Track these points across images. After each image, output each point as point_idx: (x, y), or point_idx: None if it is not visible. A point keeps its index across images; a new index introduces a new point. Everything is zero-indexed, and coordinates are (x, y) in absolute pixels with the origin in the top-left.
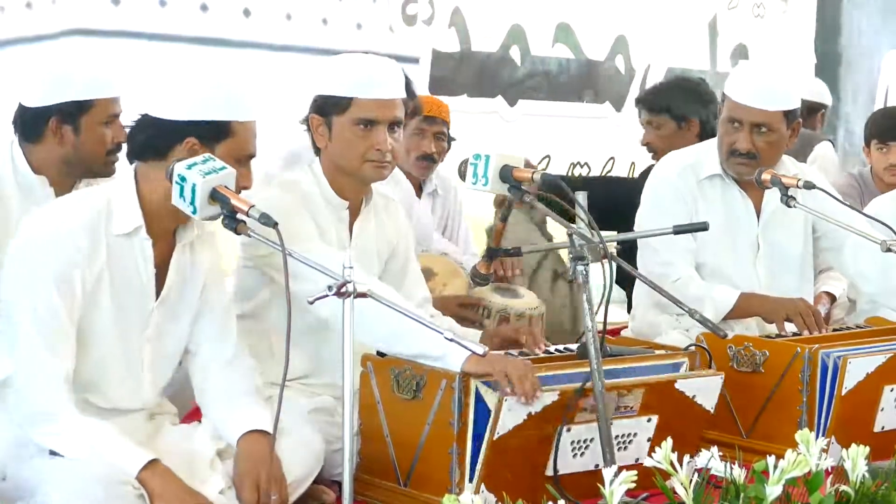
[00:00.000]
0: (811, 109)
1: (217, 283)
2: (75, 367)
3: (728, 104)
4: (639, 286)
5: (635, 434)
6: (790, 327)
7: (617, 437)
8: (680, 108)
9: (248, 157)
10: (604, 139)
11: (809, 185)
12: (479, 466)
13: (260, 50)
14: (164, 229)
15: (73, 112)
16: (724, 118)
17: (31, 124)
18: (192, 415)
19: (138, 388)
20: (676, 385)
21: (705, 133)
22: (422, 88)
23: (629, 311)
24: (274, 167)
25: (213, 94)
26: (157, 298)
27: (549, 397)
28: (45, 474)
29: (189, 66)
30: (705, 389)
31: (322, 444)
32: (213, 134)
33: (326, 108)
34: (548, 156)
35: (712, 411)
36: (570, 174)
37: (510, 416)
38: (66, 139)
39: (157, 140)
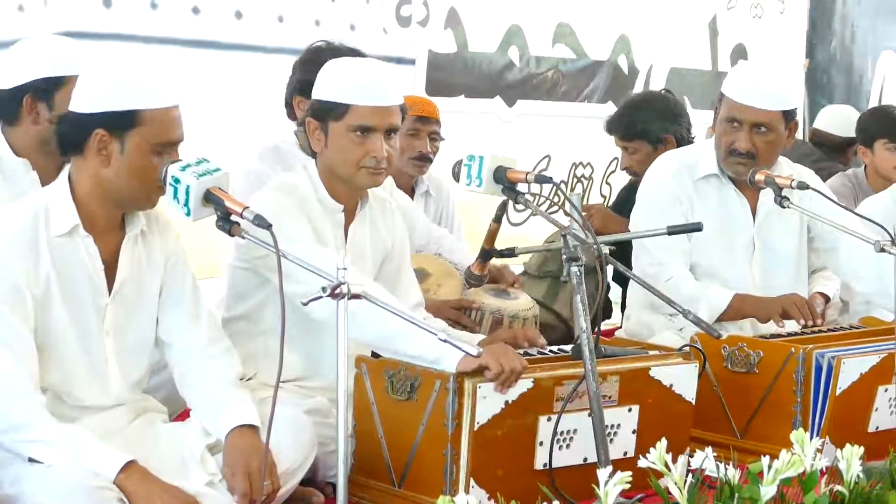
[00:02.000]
0: (847, 143)
1: (179, 267)
2: (41, 371)
3: (728, 104)
4: (632, 287)
5: (619, 425)
6: (788, 324)
7: None
8: (654, 130)
9: (171, 144)
10: (607, 140)
11: (803, 186)
12: (466, 460)
13: (252, 52)
14: (107, 223)
15: (46, 88)
16: (723, 117)
17: (6, 105)
18: (185, 415)
19: (106, 383)
20: (651, 373)
21: (681, 147)
22: (418, 90)
23: (622, 310)
24: (250, 164)
25: (118, 84)
26: (109, 293)
27: (524, 385)
28: (27, 482)
29: (181, 67)
30: (682, 378)
31: (312, 431)
32: (119, 123)
33: (324, 113)
34: (548, 156)
35: (693, 402)
36: (572, 174)
37: (487, 403)
38: (42, 117)
39: (72, 134)
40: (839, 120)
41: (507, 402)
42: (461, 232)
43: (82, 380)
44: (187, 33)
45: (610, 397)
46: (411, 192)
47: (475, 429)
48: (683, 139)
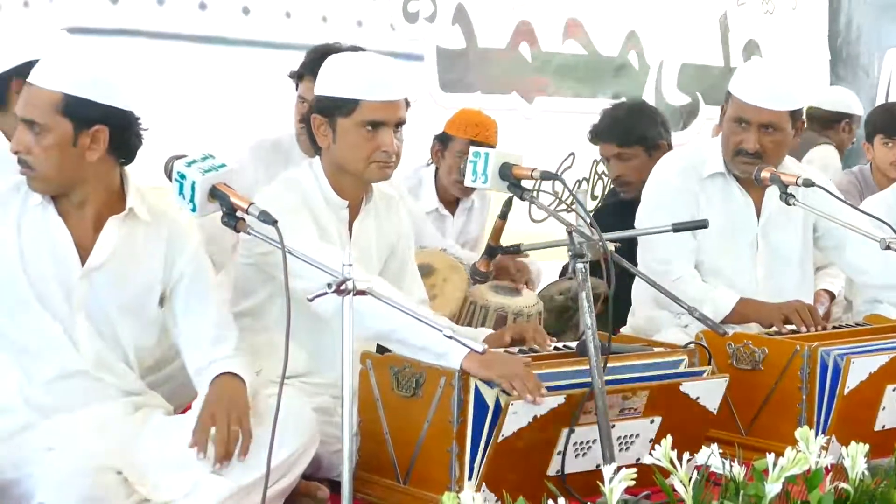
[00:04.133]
0: (832, 119)
1: (195, 273)
2: (15, 339)
3: (736, 103)
4: (638, 283)
5: (638, 435)
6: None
7: (619, 438)
8: (651, 136)
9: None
10: None
11: (809, 183)
12: (481, 468)
13: (259, 48)
14: (84, 199)
15: (28, 72)
16: (730, 117)
17: None
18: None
19: (76, 352)
20: (681, 388)
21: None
22: (431, 86)
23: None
24: (243, 158)
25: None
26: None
27: (555, 400)
28: (30, 466)
29: (188, 63)
30: (709, 391)
31: (314, 420)
32: None
33: (331, 109)
34: (572, 153)
35: (715, 412)
36: (593, 171)
37: (515, 418)
38: None
39: None
40: (830, 96)
41: (535, 417)
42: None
43: (53, 348)
44: (194, 29)
45: (635, 409)
46: (454, 206)
47: (498, 440)
48: (671, 147)
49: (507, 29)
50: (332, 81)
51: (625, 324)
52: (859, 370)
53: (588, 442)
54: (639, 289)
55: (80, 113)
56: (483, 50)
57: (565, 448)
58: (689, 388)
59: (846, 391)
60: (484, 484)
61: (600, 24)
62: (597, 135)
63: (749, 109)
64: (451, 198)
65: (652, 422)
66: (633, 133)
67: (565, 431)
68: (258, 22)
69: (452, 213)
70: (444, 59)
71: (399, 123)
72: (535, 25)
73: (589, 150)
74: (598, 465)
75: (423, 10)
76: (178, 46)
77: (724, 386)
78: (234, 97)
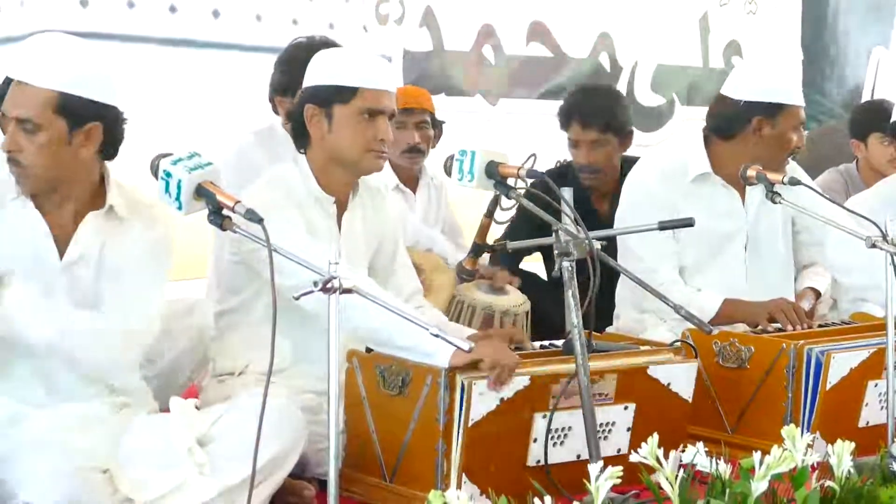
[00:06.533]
0: None
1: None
2: None
3: (792, 111)
4: (621, 288)
5: (614, 423)
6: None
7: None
8: (627, 124)
9: None
10: None
11: (794, 182)
12: (457, 455)
13: (229, 51)
14: (67, 194)
15: None
16: (790, 126)
17: None
18: None
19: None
20: (649, 371)
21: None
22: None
23: None
24: (248, 143)
25: None
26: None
27: (520, 382)
28: (15, 463)
29: (158, 66)
30: (680, 377)
31: (301, 420)
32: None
33: (327, 97)
34: (534, 155)
35: (689, 400)
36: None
37: (482, 400)
38: None
39: None
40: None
41: (502, 399)
42: (457, 229)
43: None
44: (164, 32)
45: (606, 395)
46: (415, 184)
47: (469, 425)
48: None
49: (472, 31)
50: (327, 71)
51: (611, 324)
52: (840, 365)
53: (564, 429)
54: (622, 292)
55: (76, 111)
56: (449, 52)
57: (546, 439)
58: (657, 372)
59: (828, 387)
60: (465, 476)
61: (567, 26)
62: (579, 118)
63: (801, 111)
64: (408, 175)
65: (626, 408)
66: (616, 120)
67: (539, 417)
68: (228, 25)
69: (413, 189)
70: (409, 62)
71: (392, 115)
72: (498, 28)
73: (551, 151)
74: (578, 456)
75: (394, 13)
76: (149, 49)
77: (693, 371)
78: (204, 100)
